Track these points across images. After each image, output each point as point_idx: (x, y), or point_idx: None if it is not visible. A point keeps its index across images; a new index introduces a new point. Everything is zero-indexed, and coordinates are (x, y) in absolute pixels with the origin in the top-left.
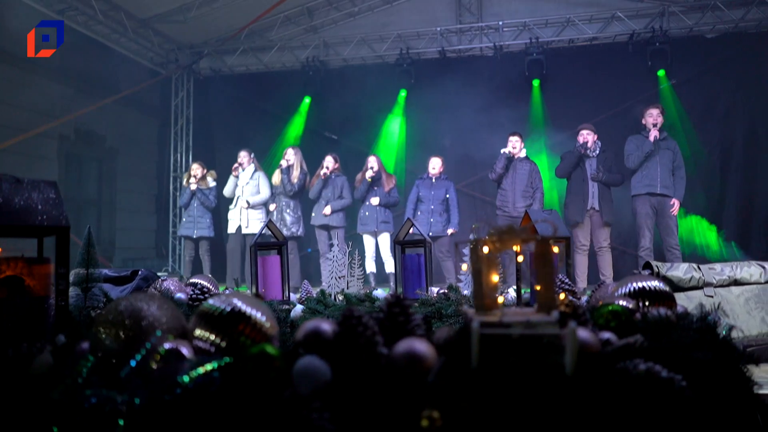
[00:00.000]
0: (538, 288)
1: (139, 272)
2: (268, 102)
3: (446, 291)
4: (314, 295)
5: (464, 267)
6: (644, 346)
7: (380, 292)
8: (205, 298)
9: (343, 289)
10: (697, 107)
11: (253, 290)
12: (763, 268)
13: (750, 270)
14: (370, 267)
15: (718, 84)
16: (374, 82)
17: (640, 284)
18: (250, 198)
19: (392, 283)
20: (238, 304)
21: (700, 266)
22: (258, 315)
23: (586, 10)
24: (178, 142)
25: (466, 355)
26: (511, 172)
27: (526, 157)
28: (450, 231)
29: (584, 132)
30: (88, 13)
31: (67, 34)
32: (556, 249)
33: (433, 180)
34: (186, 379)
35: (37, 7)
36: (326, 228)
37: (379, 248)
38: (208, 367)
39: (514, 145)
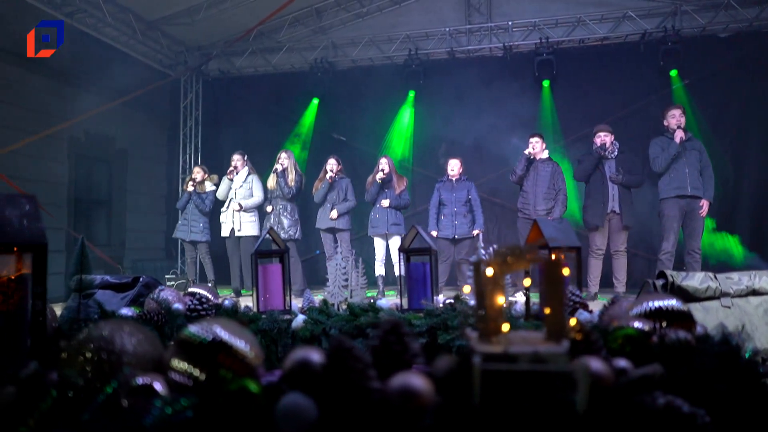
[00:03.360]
0: (546, 311)
1: (141, 279)
2: (277, 103)
3: (452, 301)
4: (317, 305)
5: (466, 289)
6: (662, 377)
7: (384, 302)
8: (204, 309)
9: (346, 298)
10: (711, 108)
11: (255, 299)
12: None
13: None
14: (380, 270)
15: (732, 84)
16: (383, 83)
17: (656, 303)
18: (242, 201)
19: (401, 287)
20: (220, 332)
21: (717, 276)
22: (241, 344)
23: (597, 10)
24: (187, 143)
25: (467, 390)
26: (532, 173)
27: (549, 158)
28: (476, 232)
29: (602, 133)
30: (97, 15)
31: (76, 36)
32: (566, 272)
33: (454, 182)
34: (152, 420)
35: (46, 10)
36: (332, 231)
37: (389, 251)
38: (180, 405)
39: (534, 146)
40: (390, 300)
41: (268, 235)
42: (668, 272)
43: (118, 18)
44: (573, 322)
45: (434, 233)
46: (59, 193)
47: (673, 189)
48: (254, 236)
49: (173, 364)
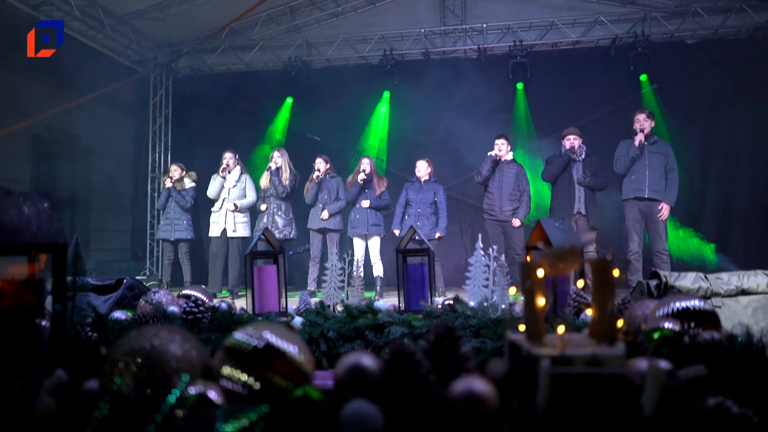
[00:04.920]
0: (589, 312)
1: (124, 281)
2: (250, 102)
3: (452, 302)
4: (313, 307)
5: (512, 291)
6: (710, 378)
7: (382, 304)
8: (200, 311)
9: (342, 300)
10: (679, 112)
11: (250, 301)
12: None
13: (757, 279)
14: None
15: (699, 89)
16: (357, 83)
17: (683, 304)
18: (237, 201)
19: (378, 288)
20: (271, 338)
21: (708, 276)
22: (293, 350)
23: (570, 14)
24: (157, 141)
25: (530, 393)
26: (497, 175)
27: (513, 160)
28: (438, 235)
29: (571, 136)
30: (65, 8)
31: None
32: (616, 272)
33: (422, 183)
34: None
35: (12, 2)
36: (322, 231)
37: (369, 251)
38: (248, 417)
39: (500, 148)
40: (386, 303)
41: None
42: (661, 273)
43: (85, 12)
44: (620, 323)
45: (397, 232)
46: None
47: (632, 191)
48: (244, 237)
49: (225, 372)
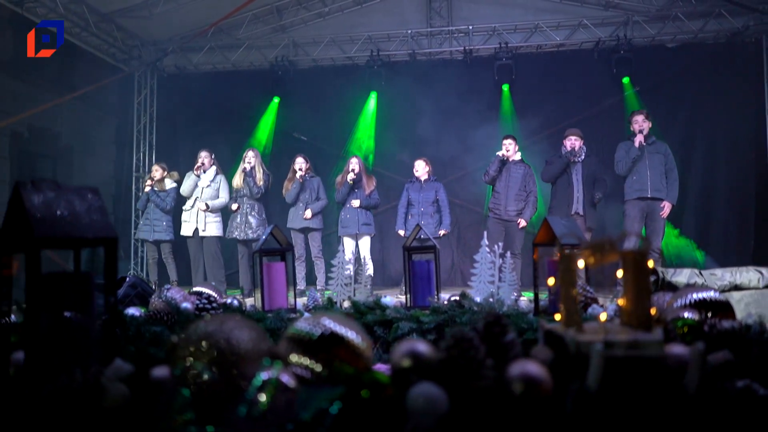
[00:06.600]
0: (622, 302)
1: (127, 278)
2: (236, 102)
3: (458, 298)
4: (321, 303)
5: (551, 281)
6: (738, 363)
7: (389, 300)
8: (212, 308)
9: (350, 296)
10: (661, 114)
11: (260, 297)
12: (761, 273)
13: (749, 275)
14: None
15: (679, 92)
16: (344, 83)
17: (700, 295)
18: (209, 201)
19: (368, 286)
20: (331, 325)
21: (702, 272)
22: (353, 336)
23: (554, 17)
24: (141, 141)
25: (578, 376)
26: (504, 174)
27: (521, 161)
28: (442, 232)
29: (572, 137)
30: (48, 5)
31: (24, 27)
32: (651, 263)
33: (422, 182)
34: (307, 416)
35: None
36: (304, 231)
37: (359, 251)
38: (326, 399)
39: (507, 148)
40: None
41: (271, 234)
42: (659, 269)
43: (69, 9)
44: (653, 311)
45: (401, 232)
46: (0, 191)
47: (634, 191)
48: (217, 236)
49: (293, 359)
